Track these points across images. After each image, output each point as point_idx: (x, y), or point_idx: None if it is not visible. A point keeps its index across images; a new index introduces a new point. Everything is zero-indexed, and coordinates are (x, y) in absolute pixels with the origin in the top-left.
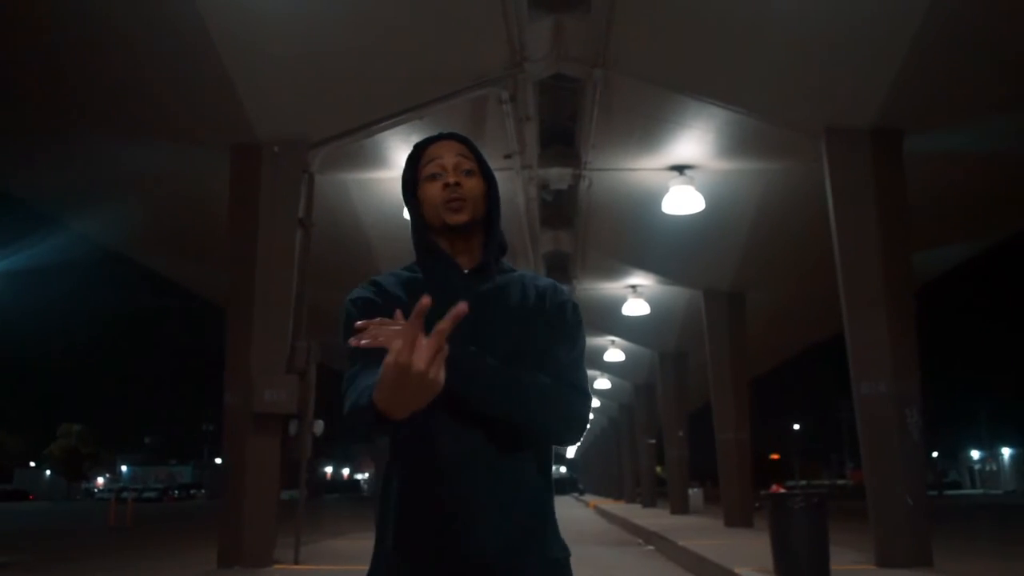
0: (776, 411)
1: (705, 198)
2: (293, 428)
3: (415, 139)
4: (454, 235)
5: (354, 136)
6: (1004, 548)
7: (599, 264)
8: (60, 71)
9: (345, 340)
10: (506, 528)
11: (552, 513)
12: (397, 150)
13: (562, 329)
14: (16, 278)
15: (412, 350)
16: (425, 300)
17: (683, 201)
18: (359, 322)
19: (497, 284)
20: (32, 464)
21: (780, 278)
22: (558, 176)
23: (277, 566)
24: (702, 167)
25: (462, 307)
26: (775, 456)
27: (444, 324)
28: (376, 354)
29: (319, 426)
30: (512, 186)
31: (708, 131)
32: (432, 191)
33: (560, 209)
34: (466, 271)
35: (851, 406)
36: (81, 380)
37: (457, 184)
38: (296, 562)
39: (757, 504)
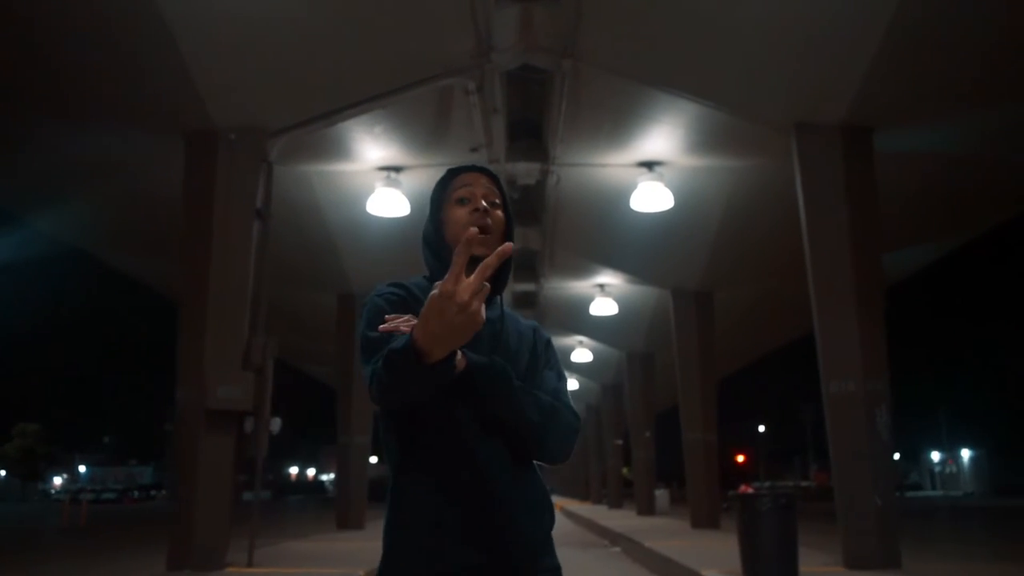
0: (741, 413)
1: (674, 195)
2: (249, 426)
3: (379, 130)
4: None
5: (315, 125)
6: (968, 548)
7: (567, 262)
8: None
9: (367, 330)
10: (533, 531)
11: (548, 526)
12: (361, 141)
13: (548, 361)
14: None
15: (457, 281)
16: (472, 231)
17: (652, 198)
18: (388, 315)
19: (503, 312)
20: None
21: (747, 278)
22: (526, 171)
23: (230, 569)
24: (671, 163)
25: (508, 246)
26: (741, 457)
27: (491, 260)
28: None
29: (276, 424)
30: None
31: (678, 126)
32: (459, 213)
33: (528, 206)
34: None
35: (815, 409)
36: (38, 379)
37: (486, 212)
38: (250, 564)
39: (725, 505)
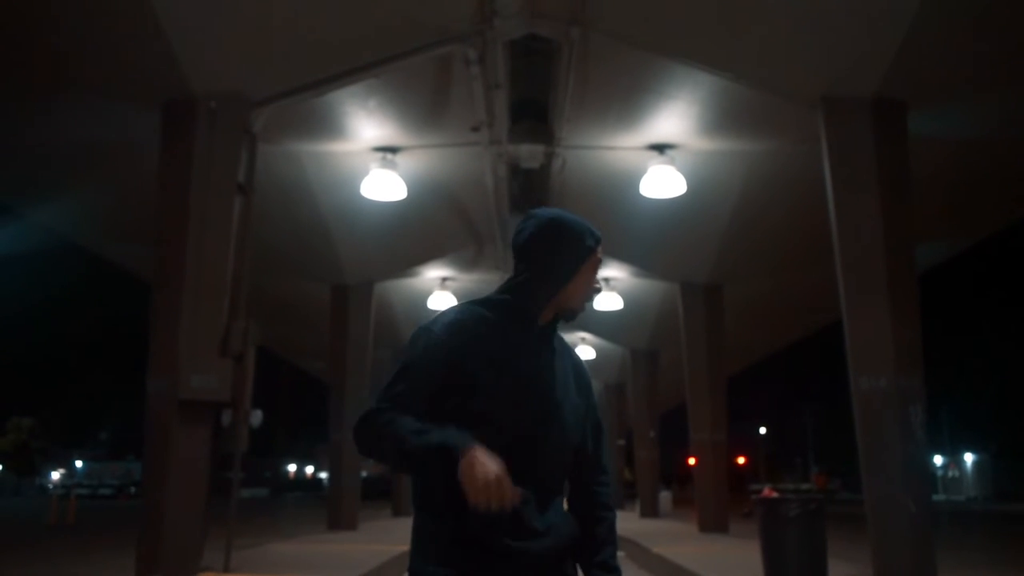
0: (740, 414)
1: (685, 181)
2: (226, 419)
3: (373, 104)
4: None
5: (302, 95)
6: (997, 557)
7: None
8: None
9: (412, 361)
10: (566, 547)
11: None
12: (354, 116)
13: (593, 405)
14: None
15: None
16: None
17: (663, 183)
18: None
19: (556, 344)
20: None
21: (759, 271)
22: (529, 154)
23: (204, 574)
24: (683, 147)
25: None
26: (741, 459)
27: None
28: (431, 379)
29: (257, 417)
30: (480, 164)
31: (692, 103)
32: (588, 282)
33: (531, 192)
34: (541, 323)
35: (816, 410)
36: (35, 374)
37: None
38: (226, 569)
39: (747, 511)
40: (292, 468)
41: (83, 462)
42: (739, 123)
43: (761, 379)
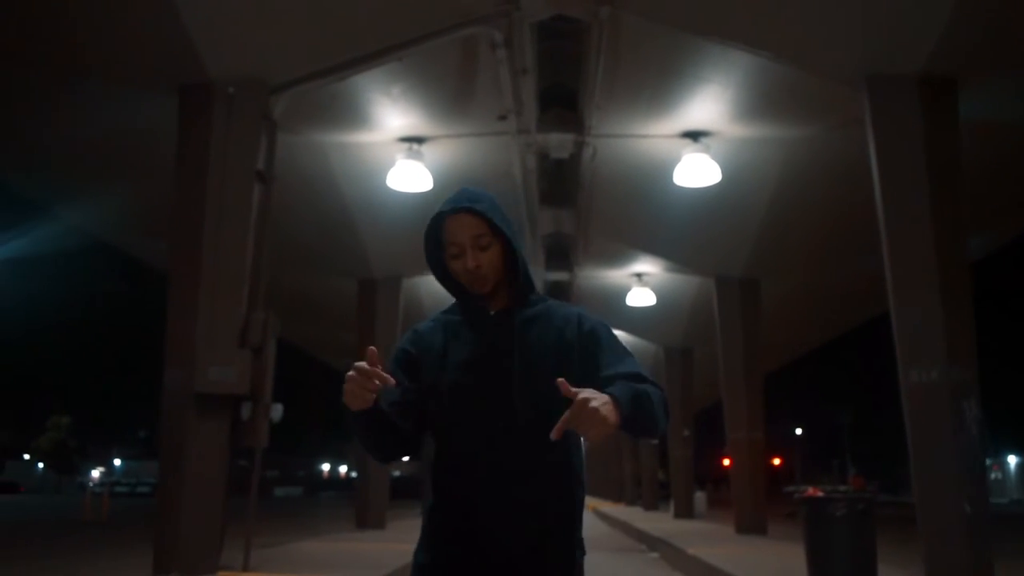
0: (775, 415)
1: (721, 170)
2: (246, 412)
3: (397, 91)
4: (471, 298)
5: (323, 80)
6: None
7: (602, 249)
8: None
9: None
10: (531, 529)
11: (579, 516)
12: (378, 104)
13: (611, 347)
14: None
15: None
16: (370, 349)
17: (697, 172)
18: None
19: (524, 317)
20: (26, 457)
21: (797, 265)
22: (558, 143)
23: (222, 573)
24: (718, 134)
25: (372, 351)
26: (777, 461)
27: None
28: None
29: (277, 410)
30: (507, 155)
31: (728, 86)
32: (457, 268)
33: (561, 185)
34: (492, 312)
35: (853, 410)
36: (75, 372)
37: (478, 267)
38: (245, 569)
39: (791, 510)
40: (326, 467)
41: (122, 460)
42: (777, 107)
43: (796, 379)
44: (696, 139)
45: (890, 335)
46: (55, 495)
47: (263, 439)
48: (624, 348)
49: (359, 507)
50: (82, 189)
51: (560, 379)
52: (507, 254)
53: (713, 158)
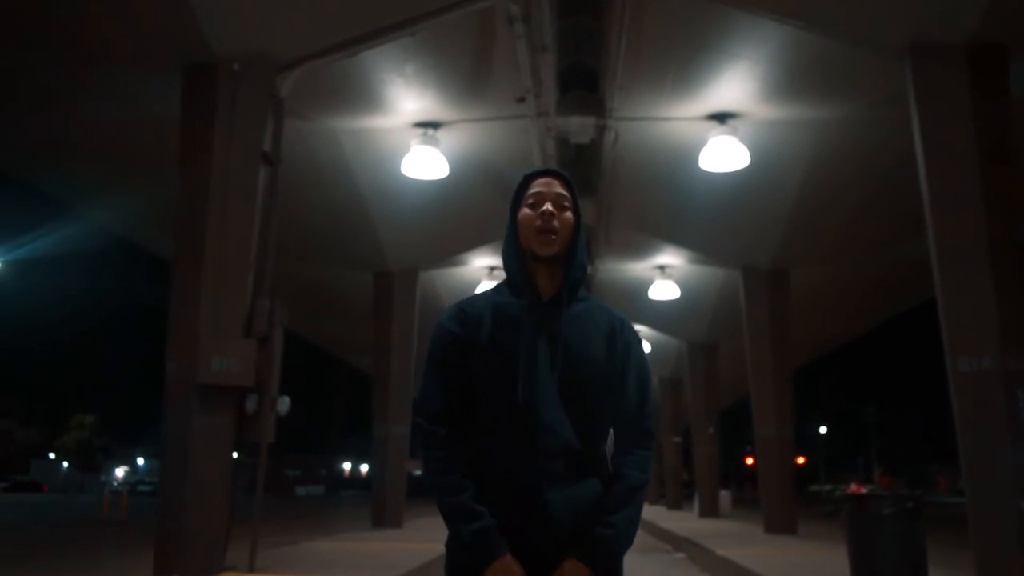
0: (800, 413)
1: (749, 154)
2: (251, 405)
3: (411, 71)
4: (540, 263)
5: (332, 56)
6: None
7: (625, 240)
8: None
9: (429, 359)
10: (566, 525)
11: None
12: (391, 85)
13: (633, 367)
14: (30, 267)
15: None
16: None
17: (724, 155)
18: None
19: (570, 313)
20: (52, 456)
21: (828, 254)
22: (579, 127)
23: (226, 574)
24: (746, 115)
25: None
26: (801, 460)
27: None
28: (451, 372)
29: (284, 403)
30: (526, 140)
31: (758, 62)
32: (529, 217)
33: (582, 173)
34: (545, 299)
35: (877, 410)
36: (101, 371)
37: (552, 215)
38: (251, 569)
39: (830, 508)
40: (347, 466)
41: (145, 459)
42: (809, 85)
43: (819, 377)
44: (723, 121)
45: (918, 330)
46: (79, 494)
47: (270, 433)
48: (644, 380)
49: (375, 506)
50: (104, 186)
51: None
52: (573, 235)
53: (741, 141)
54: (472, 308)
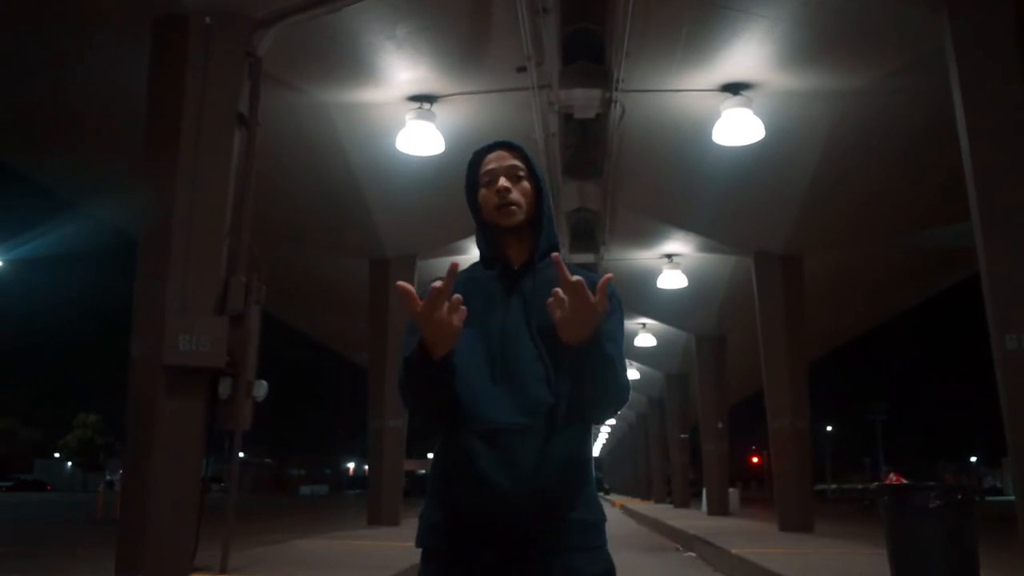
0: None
1: (763, 128)
2: (225, 389)
3: (402, 34)
4: (508, 235)
5: (313, 11)
6: None
7: (631, 227)
8: None
9: (406, 330)
10: (538, 492)
11: (588, 484)
12: (382, 51)
13: (612, 332)
14: (31, 266)
15: (429, 303)
16: (453, 263)
17: (738, 128)
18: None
19: (541, 278)
20: (56, 455)
21: (845, 237)
22: (584, 100)
23: (196, 575)
24: (762, 86)
25: (454, 264)
26: None
27: (443, 285)
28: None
29: (261, 388)
30: (527, 116)
31: (777, 21)
32: (486, 196)
33: (586, 153)
34: (516, 267)
35: (886, 408)
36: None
37: (508, 190)
38: (223, 570)
39: (867, 501)
40: (352, 465)
41: None
42: (831, 48)
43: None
44: (737, 92)
45: (929, 326)
46: (82, 493)
47: (246, 420)
48: (619, 329)
49: (370, 503)
50: (106, 182)
51: (555, 255)
52: (536, 202)
53: (756, 114)
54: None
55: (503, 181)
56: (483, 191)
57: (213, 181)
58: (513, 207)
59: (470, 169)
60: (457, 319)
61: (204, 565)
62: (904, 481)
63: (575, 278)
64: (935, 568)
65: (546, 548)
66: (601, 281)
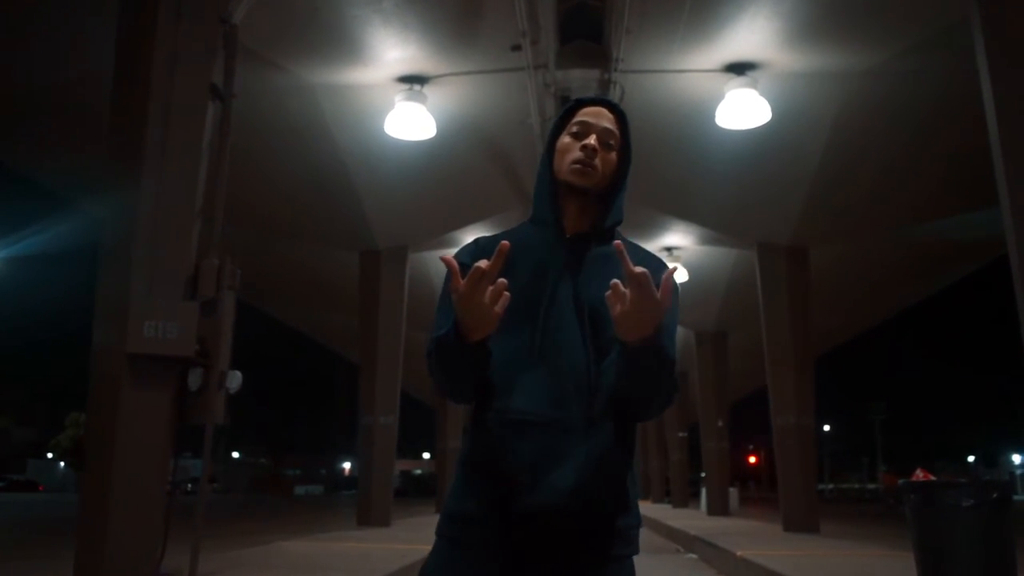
0: None
1: (769, 110)
2: (195, 380)
3: (389, 6)
4: (571, 197)
5: None
6: None
7: (629, 218)
8: None
9: (441, 295)
10: (574, 491)
11: (629, 485)
12: (369, 26)
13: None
14: (23, 264)
15: (471, 285)
16: (504, 244)
17: (743, 111)
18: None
19: (595, 252)
20: (49, 455)
21: (853, 227)
22: (581, 82)
23: None
24: (768, 66)
25: (504, 245)
26: None
27: (492, 264)
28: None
29: (236, 379)
30: (523, 98)
31: None
32: (568, 144)
33: None
34: (569, 235)
35: (884, 408)
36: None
37: (595, 150)
38: (192, 575)
39: (891, 500)
40: (347, 466)
41: None
42: (843, 24)
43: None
44: (742, 72)
45: (929, 326)
46: (74, 494)
47: (218, 413)
48: (674, 321)
49: (360, 503)
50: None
51: (618, 243)
52: (614, 176)
53: (762, 95)
54: (488, 243)
55: (593, 140)
56: (566, 139)
57: (183, 157)
58: (591, 169)
59: (562, 113)
60: (500, 306)
61: (173, 570)
62: (932, 478)
63: (639, 269)
64: (968, 572)
65: (580, 556)
66: (666, 275)
